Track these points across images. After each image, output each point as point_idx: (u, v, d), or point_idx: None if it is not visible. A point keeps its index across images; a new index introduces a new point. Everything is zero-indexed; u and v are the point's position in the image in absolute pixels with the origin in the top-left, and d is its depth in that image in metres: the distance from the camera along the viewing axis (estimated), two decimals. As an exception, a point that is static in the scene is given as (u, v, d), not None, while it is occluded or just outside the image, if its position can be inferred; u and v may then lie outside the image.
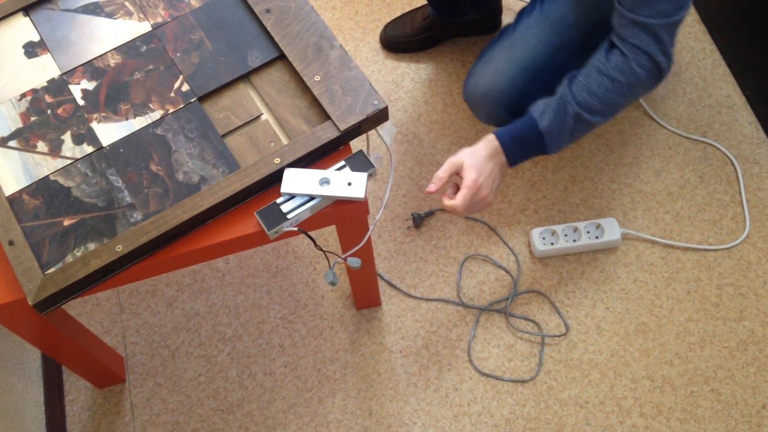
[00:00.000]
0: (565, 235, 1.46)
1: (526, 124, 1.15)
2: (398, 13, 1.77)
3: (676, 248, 1.48)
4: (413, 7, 1.76)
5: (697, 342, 1.39)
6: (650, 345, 1.39)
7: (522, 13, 1.38)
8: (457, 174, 1.13)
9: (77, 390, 1.41)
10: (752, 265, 1.45)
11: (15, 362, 1.29)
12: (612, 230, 1.45)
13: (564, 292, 1.44)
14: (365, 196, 0.99)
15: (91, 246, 0.97)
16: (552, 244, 1.45)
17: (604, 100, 1.12)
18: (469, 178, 1.11)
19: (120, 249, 0.95)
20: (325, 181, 0.99)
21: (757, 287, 1.43)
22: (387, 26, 1.73)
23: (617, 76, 1.11)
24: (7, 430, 1.18)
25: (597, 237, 1.45)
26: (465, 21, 1.65)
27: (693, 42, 1.71)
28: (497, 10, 1.67)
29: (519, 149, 1.15)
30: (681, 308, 1.42)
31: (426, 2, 1.73)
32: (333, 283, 1.03)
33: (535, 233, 1.46)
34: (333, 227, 1.52)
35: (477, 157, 1.13)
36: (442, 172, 1.13)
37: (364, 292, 1.39)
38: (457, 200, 1.11)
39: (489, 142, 1.15)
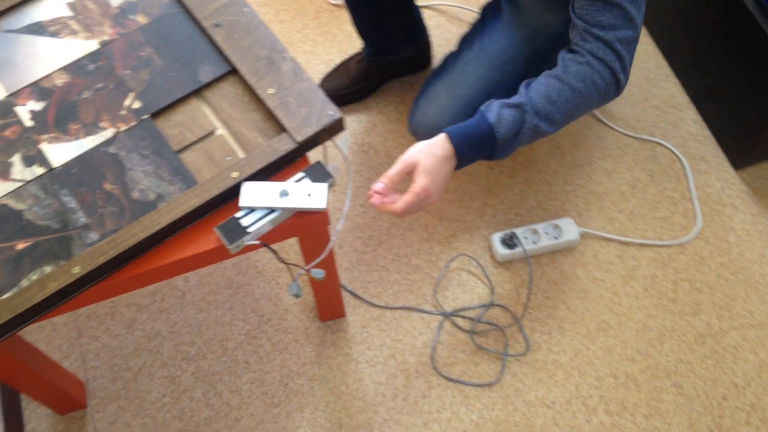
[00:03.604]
0: (525, 238, 1.48)
1: (482, 130, 1.08)
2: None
3: (631, 245, 1.51)
4: (346, 56, 1.72)
5: (657, 337, 1.42)
6: (612, 342, 1.42)
7: (463, 43, 1.41)
8: (408, 174, 1.07)
9: (37, 418, 1.36)
10: (705, 260, 1.49)
11: (-31, 394, 1.25)
12: (570, 230, 1.48)
13: (525, 294, 1.46)
14: (326, 206, 0.99)
15: (47, 269, 0.95)
16: (512, 247, 1.47)
17: (563, 110, 1.09)
18: (419, 184, 1.03)
19: (77, 271, 0.93)
20: (284, 193, 0.99)
21: (710, 281, 1.47)
22: (324, 80, 1.68)
23: (578, 85, 1.08)
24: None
25: (556, 237, 1.48)
26: (399, 60, 1.65)
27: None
28: (427, 45, 1.68)
29: (471, 153, 1.09)
30: (639, 305, 1.45)
31: (358, 50, 1.69)
32: (297, 295, 1.03)
33: (495, 238, 1.48)
34: (294, 240, 1.51)
35: (432, 160, 1.04)
36: (395, 175, 1.04)
37: (328, 304, 1.39)
38: (399, 205, 1.03)
39: (443, 143, 1.07)
